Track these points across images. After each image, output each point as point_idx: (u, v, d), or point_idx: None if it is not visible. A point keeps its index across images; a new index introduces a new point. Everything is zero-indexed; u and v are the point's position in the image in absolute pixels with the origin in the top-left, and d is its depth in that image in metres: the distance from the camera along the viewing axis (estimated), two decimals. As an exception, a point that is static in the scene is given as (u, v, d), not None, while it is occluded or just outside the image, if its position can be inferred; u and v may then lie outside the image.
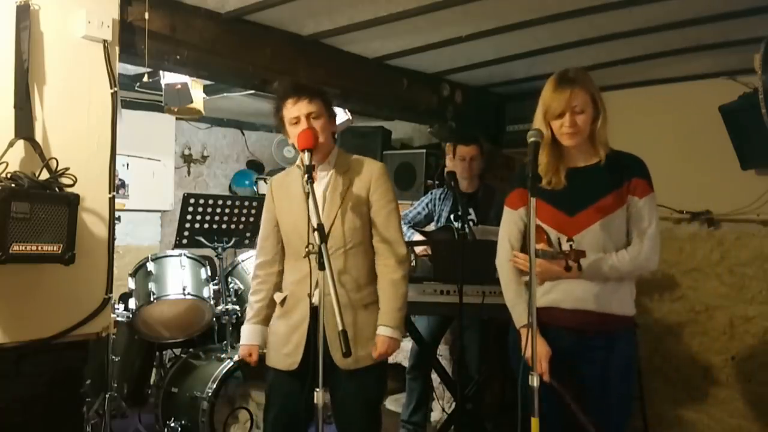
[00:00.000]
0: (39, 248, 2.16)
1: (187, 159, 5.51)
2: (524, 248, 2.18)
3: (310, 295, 2.24)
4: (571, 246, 1.99)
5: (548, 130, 2.08)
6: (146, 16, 2.65)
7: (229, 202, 3.64)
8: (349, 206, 2.28)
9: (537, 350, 2.09)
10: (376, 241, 2.33)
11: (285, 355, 2.30)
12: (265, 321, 2.42)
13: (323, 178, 2.30)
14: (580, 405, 2.08)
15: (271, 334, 2.39)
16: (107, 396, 3.21)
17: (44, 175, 2.28)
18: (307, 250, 2.08)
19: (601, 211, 2.07)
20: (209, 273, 3.64)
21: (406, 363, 3.87)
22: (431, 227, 3.76)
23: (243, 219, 3.68)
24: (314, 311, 2.22)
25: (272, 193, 2.42)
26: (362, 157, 2.41)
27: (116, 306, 3.43)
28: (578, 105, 2.04)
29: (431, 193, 3.77)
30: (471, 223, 3.36)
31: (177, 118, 5.01)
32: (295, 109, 2.23)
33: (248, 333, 2.41)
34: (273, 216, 2.41)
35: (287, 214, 2.35)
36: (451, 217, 3.57)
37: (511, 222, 2.24)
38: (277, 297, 2.38)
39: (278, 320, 2.38)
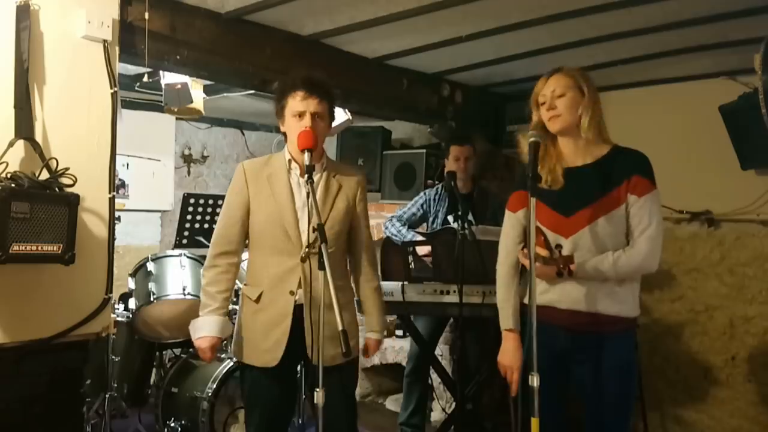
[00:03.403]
0: (39, 248, 2.16)
1: (187, 159, 5.51)
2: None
3: (293, 293, 2.23)
4: (560, 252, 1.99)
5: (538, 117, 2.12)
6: (146, 16, 2.65)
7: (229, 202, 3.64)
8: (340, 209, 2.31)
9: (508, 361, 2.17)
10: (356, 248, 2.41)
11: (263, 351, 2.26)
12: (227, 313, 2.31)
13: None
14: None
15: (245, 330, 2.31)
16: (107, 396, 3.21)
17: (44, 175, 2.28)
18: (306, 250, 2.08)
19: (597, 211, 2.05)
20: (209, 273, 3.63)
21: (405, 363, 3.87)
22: (423, 228, 3.75)
23: (243, 219, 3.67)
24: (297, 309, 2.23)
25: (246, 180, 2.29)
26: (344, 163, 2.43)
27: (116, 306, 3.43)
28: (557, 89, 2.06)
29: (424, 194, 3.75)
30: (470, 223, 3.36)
31: (177, 118, 5.01)
32: (304, 104, 2.20)
33: (212, 323, 2.26)
34: (246, 203, 2.29)
35: (266, 204, 2.27)
36: (449, 217, 3.57)
37: (510, 225, 2.26)
38: (251, 292, 2.30)
39: (253, 316, 2.29)
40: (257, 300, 2.28)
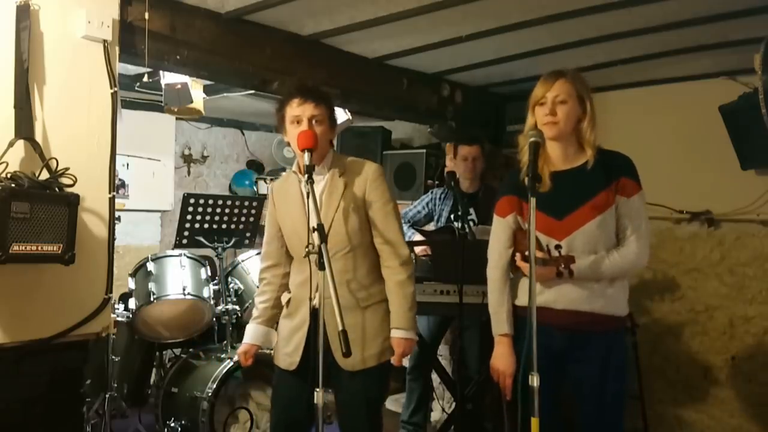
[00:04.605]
0: (39, 248, 2.16)
1: (187, 159, 5.51)
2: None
3: (310, 298, 2.24)
4: (559, 252, 2.01)
5: (534, 120, 2.12)
6: (146, 16, 2.65)
7: (229, 202, 3.64)
8: (348, 208, 2.28)
9: (503, 366, 2.18)
10: (377, 243, 2.33)
11: (285, 354, 2.34)
12: (269, 322, 2.44)
13: (320, 181, 2.29)
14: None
15: (278, 333, 2.44)
16: (107, 396, 3.21)
17: (44, 175, 2.28)
18: (306, 250, 2.07)
19: (589, 213, 2.08)
20: (209, 273, 3.64)
21: (406, 363, 3.86)
22: (431, 227, 3.76)
23: (243, 219, 3.67)
24: (315, 313, 2.22)
25: (273, 199, 2.44)
26: (357, 158, 2.40)
27: (116, 306, 3.43)
28: (560, 95, 2.07)
29: (432, 193, 3.77)
30: (471, 223, 3.37)
31: (177, 118, 5.01)
32: (299, 110, 2.22)
33: (249, 332, 2.44)
34: (275, 221, 2.42)
35: (287, 218, 2.36)
36: (451, 217, 3.57)
37: (499, 230, 2.26)
38: (284, 298, 2.42)
39: (283, 321, 2.41)
40: (287, 305, 2.39)
